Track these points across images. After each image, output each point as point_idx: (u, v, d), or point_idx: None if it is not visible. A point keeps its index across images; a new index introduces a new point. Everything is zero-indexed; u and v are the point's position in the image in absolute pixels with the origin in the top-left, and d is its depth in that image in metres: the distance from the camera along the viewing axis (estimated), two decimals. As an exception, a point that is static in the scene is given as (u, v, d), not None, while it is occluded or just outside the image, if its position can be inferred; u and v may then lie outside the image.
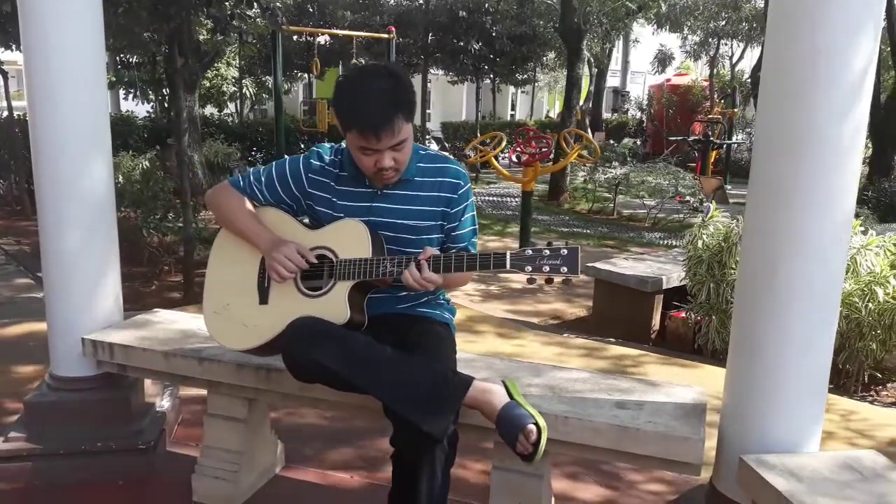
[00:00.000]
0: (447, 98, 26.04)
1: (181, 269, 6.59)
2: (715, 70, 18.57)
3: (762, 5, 16.76)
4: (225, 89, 19.38)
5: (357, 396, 2.04)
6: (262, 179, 2.10)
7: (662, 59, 20.19)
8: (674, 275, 5.26)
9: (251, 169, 2.17)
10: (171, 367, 2.41)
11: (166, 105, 12.67)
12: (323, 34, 11.15)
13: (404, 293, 2.11)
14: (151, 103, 14.41)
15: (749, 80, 19.44)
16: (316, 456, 2.81)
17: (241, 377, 2.31)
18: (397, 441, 1.84)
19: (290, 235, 2.05)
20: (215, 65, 14.39)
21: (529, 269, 1.81)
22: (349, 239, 1.99)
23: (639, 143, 18.58)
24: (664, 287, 5.20)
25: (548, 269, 1.80)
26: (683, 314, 5.06)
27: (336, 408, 2.32)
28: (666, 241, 9.08)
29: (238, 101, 21.11)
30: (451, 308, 2.25)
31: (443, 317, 2.19)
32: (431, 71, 15.58)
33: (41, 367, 3.57)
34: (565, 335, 4.72)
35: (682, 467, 1.96)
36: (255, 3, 4.89)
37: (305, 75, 20.88)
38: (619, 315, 5.29)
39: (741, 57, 19.61)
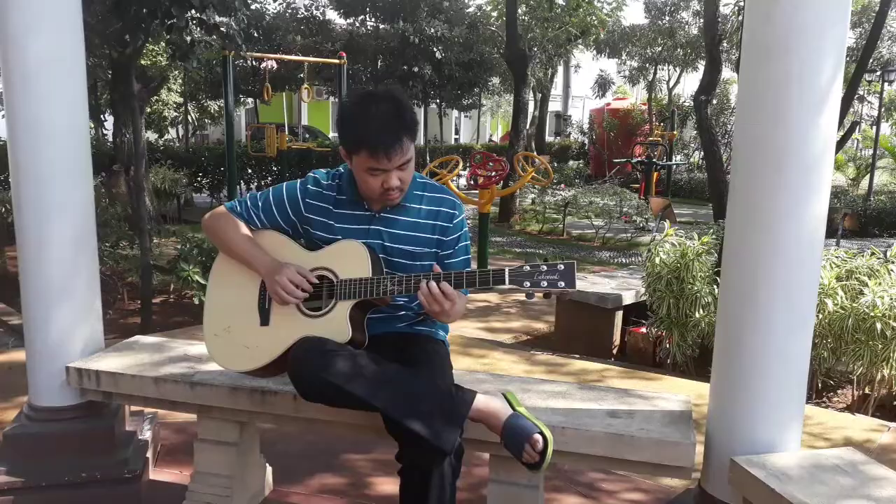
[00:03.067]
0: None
1: (136, 296, 6.45)
2: (653, 94, 19.24)
3: (695, 32, 17.50)
4: (166, 114, 19.11)
5: (354, 415, 2.08)
6: (259, 205, 2.13)
7: (602, 84, 20.83)
8: (631, 291, 5.43)
9: (248, 194, 2.20)
10: (161, 393, 2.39)
11: (104, 132, 12.41)
12: (280, 59, 11.14)
13: (402, 312, 2.17)
14: (91, 130, 14.10)
15: (685, 104, 20.19)
16: (303, 478, 2.81)
17: (235, 400, 2.31)
18: (406, 456, 1.88)
19: (290, 257, 2.08)
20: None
21: (528, 284, 1.88)
22: (349, 259, 2.03)
23: (582, 165, 19.03)
24: (623, 304, 5.36)
25: (545, 283, 1.87)
26: (643, 329, 5.23)
27: (331, 427, 2.34)
28: (617, 260, 9.33)
29: (180, 127, 20.81)
30: (445, 326, 2.30)
31: (438, 334, 2.24)
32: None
33: (3, 398, 3.46)
34: (530, 352, 4.81)
35: (675, 471, 2.05)
36: (214, 29, 4.88)
37: (249, 100, 20.79)
38: (581, 331, 5.42)
39: (677, 81, 20.37)
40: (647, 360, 5.19)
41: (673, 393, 2.42)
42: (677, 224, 7.77)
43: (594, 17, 14.24)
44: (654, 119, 18.50)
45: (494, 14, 15.47)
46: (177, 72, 14.86)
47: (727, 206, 2.05)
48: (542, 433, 1.85)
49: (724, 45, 10.64)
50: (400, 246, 2.08)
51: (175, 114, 19.79)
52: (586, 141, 21.97)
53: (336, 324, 1.98)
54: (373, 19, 13.74)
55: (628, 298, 5.39)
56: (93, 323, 2.60)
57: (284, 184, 2.17)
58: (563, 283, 1.87)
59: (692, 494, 2.21)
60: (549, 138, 23.34)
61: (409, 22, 12.58)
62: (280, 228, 2.15)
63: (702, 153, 20.42)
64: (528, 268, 1.89)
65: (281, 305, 2.04)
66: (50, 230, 2.43)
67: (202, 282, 5.44)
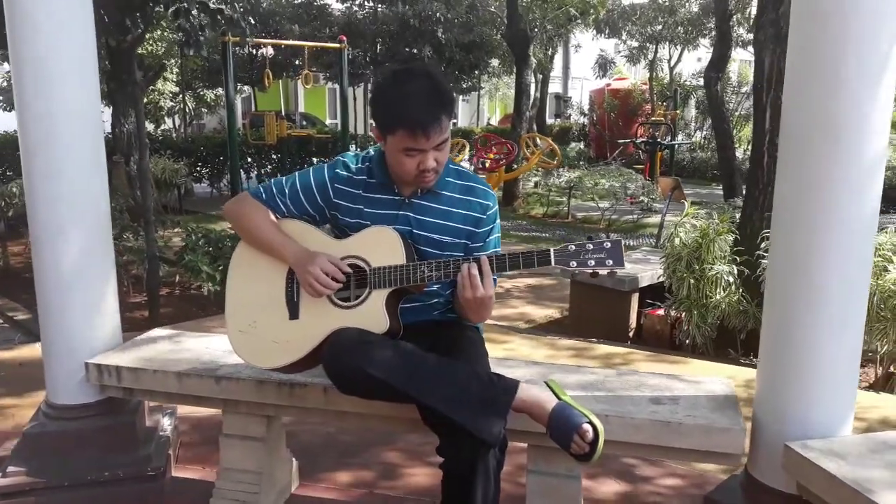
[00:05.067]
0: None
1: (141, 289, 6.37)
2: (654, 73, 19.07)
3: (696, 10, 17.33)
4: (162, 104, 18.94)
5: (388, 406, 2.01)
6: (286, 191, 2.04)
7: (603, 64, 20.64)
8: (647, 273, 5.35)
9: (272, 180, 2.11)
10: (184, 389, 2.31)
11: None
12: (281, 45, 10.99)
13: (435, 300, 2.08)
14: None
15: (686, 83, 20.04)
16: (329, 471, 2.74)
17: (262, 394, 2.23)
18: (449, 449, 1.81)
19: (318, 246, 1.99)
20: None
21: (574, 264, 1.80)
22: (381, 246, 1.94)
23: (583, 146, 18.90)
24: (640, 286, 5.28)
25: (593, 263, 1.80)
26: (660, 311, 5.15)
27: (362, 420, 2.26)
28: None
29: (176, 116, 20.64)
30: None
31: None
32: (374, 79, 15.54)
33: (17, 395, 3.39)
34: (549, 337, 4.74)
35: (724, 458, 1.98)
36: (220, 15, 4.76)
37: (246, 88, 20.60)
38: (597, 315, 5.35)
39: (678, 60, 20.18)
40: (664, 343, 5.12)
41: (712, 377, 2.34)
42: (687, 203, 7.68)
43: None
44: (655, 99, 18.34)
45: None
46: (173, 60, 14.70)
47: (776, 176, 1.96)
48: (591, 423, 1.77)
49: (733, 21, 10.50)
50: (428, 234, 2.00)
51: (171, 103, 19.63)
52: (587, 122, 21.82)
53: (372, 314, 1.89)
54: (370, 2, 13.56)
55: (644, 280, 5.32)
56: (110, 317, 2.52)
57: (311, 168, 2.08)
58: (611, 262, 1.79)
59: (738, 481, 2.14)
60: (549, 120, 23.17)
61: (407, 4, 12.42)
62: (306, 215, 2.06)
63: (703, 132, 20.35)
64: (573, 247, 1.81)
65: (310, 297, 1.95)
66: (64, 222, 2.34)
67: (210, 272, 5.36)
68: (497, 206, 2.10)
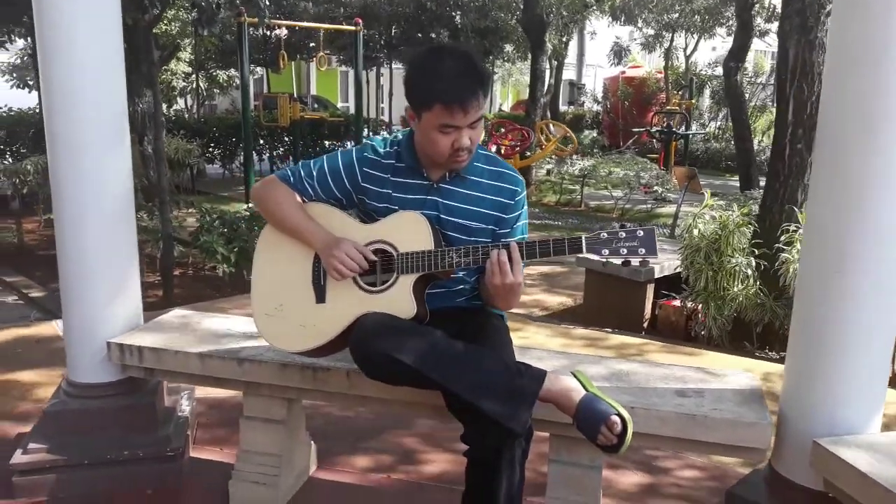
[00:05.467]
0: (402, 91, 25.92)
1: (155, 269, 6.39)
2: (669, 62, 18.89)
3: (713, -2, 17.11)
4: (175, 84, 18.91)
5: (411, 392, 2.00)
6: (314, 174, 2.02)
7: (618, 52, 20.44)
8: (664, 264, 5.31)
9: (300, 163, 2.09)
10: (206, 370, 2.30)
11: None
12: (296, 26, 10.92)
13: (461, 287, 2.07)
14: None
15: (702, 72, 19.85)
16: (348, 456, 2.74)
17: (285, 377, 2.23)
18: (474, 438, 1.80)
19: (344, 230, 1.97)
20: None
21: (606, 252, 1.78)
22: (408, 231, 1.92)
23: (597, 134, 18.77)
24: (655, 276, 5.25)
25: (625, 251, 1.77)
26: (676, 302, 5.13)
27: (385, 405, 2.26)
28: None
29: (189, 97, 20.61)
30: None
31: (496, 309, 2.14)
32: (393, 64, 15.48)
33: (35, 372, 3.40)
34: (563, 326, 4.72)
35: (749, 453, 1.97)
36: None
37: (258, 69, 20.52)
38: (611, 304, 5.32)
39: (694, 49, 19.98)
40: (679, 334, 5.09)
41: (737, 370, 2.32)
42: (707, 194, 7.63)
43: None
44: (669, 88, 18.18)
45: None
46: (187, 40, 14.65)
47: (812, 168, 1.93)
48: (619, 415, 1.76)
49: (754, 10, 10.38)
50: (455, 219, 1.98)
51: (184, 83, 19.60)
52: (600, 110, 21.65)
53: (400, 299, 1.88)
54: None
55: (659, 271, 5.29)
56: (132, 297, 2.52)
57: (339, 152, 2.06)
58: (643, 250, 1.77)
59: (762, 475, 2.13)
60: (562, 107, 23.02)
61: (423, -13, 12.34)
62: (333, 199, 2.04)
63: (718, 123, 20.18)
64: (605, 234, 1.79)
65: (337, 281, 1.94)
66: (88, 200, 2.33)
67: (225, 253, 5.36)
68: (525, 192, 2.08)
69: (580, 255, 1.83)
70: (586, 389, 1.85)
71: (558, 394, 1.82)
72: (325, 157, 2.07)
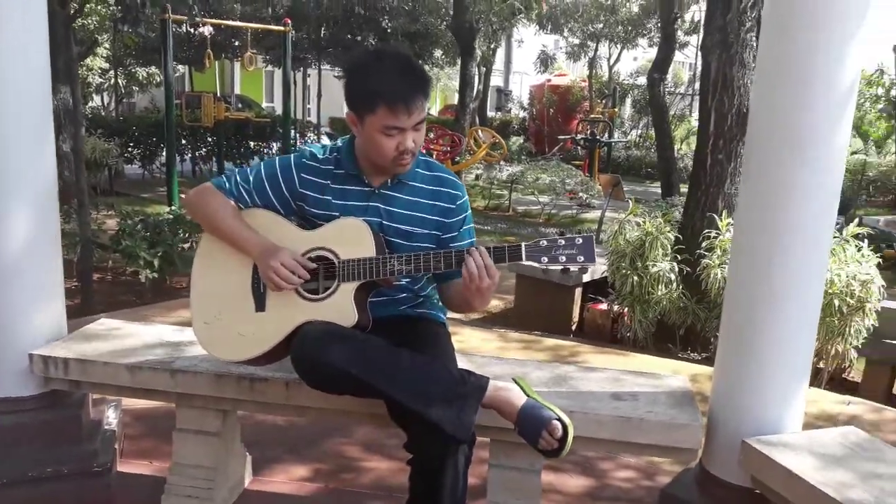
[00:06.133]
0: (329, 93, 25.76)
1: (72, 274, 6.11)
2: (593, 71, 19.41)
3: (636, 10, 17.69)
4: (91, 80, 18.16)
5: (351, 401, 1.98)
6: (251, 180, 1.99)
7: (545, 60, 20.86)
8: (592, 268, 5.43)
9: (236, 170, 2.04)
10: (137, 382, 2.22)
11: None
12: (225, 25, 10.64)
13: (403, 294, 2.07)
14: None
15: (624, 82, 20.46)
16: (283, 466, 2.69)
17: (220, 388, 2.17)
18: (419, 445, 1.80)
19: (285, 237, 1.94)
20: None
21: (545, 259, 1.81)
22: (350, 238, 1.91)
23: (523, 141, 19.10)
24: (584, 281, 5.38)
25: (564, 258, 1.81)
26: (602, 306, 5.26)
27: (322, 414, 2.23)
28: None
29: (105, 94, 19.84)
30: (443, 308, 2.21)
31: (439, 316, 2.16)
32: (322, 66, 15.30)
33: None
34: (496, 329, 4.77)
35: (681, 453, 2.04)
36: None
37: (180, 67, 19.93)
38: (542, 308, 5.42)
39: (618, 59, 20.58)
40: (605, 337, 5.23)
41: (669, 373, 2.41)
42: (625, 201, 7.85)
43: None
44: (593, 96, 18.67)
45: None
46: (105, 35, 14.11)
47: (740, 183, 2.02)
48: (560, 419, 1.79)
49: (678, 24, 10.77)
50: (398, 225, 1.98)
51: (101, 80, 18.85)
52: (527, 117, 22.01)
53: (341, 307, 1.86)
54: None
55: (587, 275, 5.41)
56: (56, 305, 2.40)
57: (276, 158, 2.04)
58: (582, 258, 1.80)
59: (692, 474, 2.20)
60: (490, 113, 23.28)
61: (352, -10, 12.27)
62: (271, 207, 2.00)
63: (639, 131, 20.84)
64: (545, 242, 1.82)
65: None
66: (10, 202, 2.20)
67: (149, 258, 5.18)
68: (467, 197, 2.09)
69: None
70: (527, 395, 1.87)
71: (501, 400, 1.85)
72: (261, 163, 2.04)
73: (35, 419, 2.33)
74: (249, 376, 2.14)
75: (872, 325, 4.04)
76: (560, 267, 1.84)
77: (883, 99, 14.41)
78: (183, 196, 2.08)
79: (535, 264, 1.83)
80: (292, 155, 2.03)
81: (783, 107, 1.86)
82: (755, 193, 1.96)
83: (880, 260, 4.30)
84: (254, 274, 1.96)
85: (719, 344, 2.13)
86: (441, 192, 2.01)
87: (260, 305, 1.94)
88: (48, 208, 2.33)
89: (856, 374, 4.54)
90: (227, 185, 1.99)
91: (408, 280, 2.04)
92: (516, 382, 1.93)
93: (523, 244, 1.82)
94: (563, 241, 1.82)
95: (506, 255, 1.82)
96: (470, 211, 2.10)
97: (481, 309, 1.96)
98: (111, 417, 2.65)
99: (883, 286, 4.05)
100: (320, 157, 2.00)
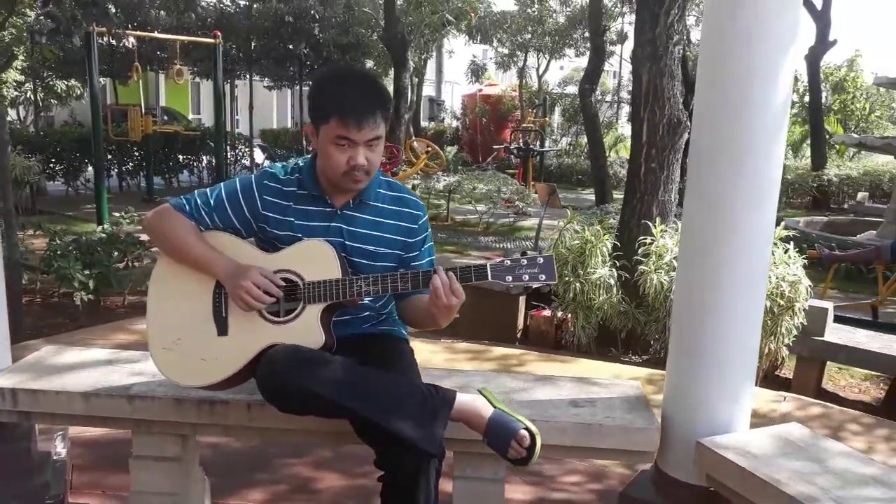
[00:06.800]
0: (259, 105, 25.35)
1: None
2: (523, 81, 19.77)
3: (563, 21, 18.12)
4: (5, 94, 17.37)
5: (314, 421, 1.98)
6: (211, 202, 1.97)
7: (476, 70, 21.14)
8: (534, 276, 5.54)
9: (195, 191, 2.02)
10: (92, 410, 2.16)
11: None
12: (153, 38, 10.37)
13: (366, 313, 2.08)
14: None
15: (553, 91, 20.89)
16: (241, 488, 2.66)
17: (180, 413, 2.13)
18: (390, 462, 1.81)
19: (248, 260, 1.93)
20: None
21: (510, 279, 1.87)
22: (314, 260, 1.92)
23: (458, 151, 19.29)
24: (526, 289, 5.47)
25: (527, 277, 1.87)
26: (546, 313, 5.37)
27: (284, 435, 2.22)
28: (501, 245, 9.54)
29: (22, 107, 19.02)
30: (405, 325, 2.24)
31: (402, 333, 2.18)
32: (247, 76, 15.08)
33: None
34: (444, 340, 4.81)
35: (639, 456, 2.13)
36: (92, 5, 4.46)
37: (103, 80, 19.27)
38: (487, 317, 5.48)
39: (546, 68, 21.02)
40: (549, 343, 5.34)
41: (621, 379, 2.50)
42: (562, 208, 8.04)
43: (466, 3, 14.41)
44: (524, 105, 19.01)
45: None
46: (22, 47, 13.54)
47: (685, 195, 2.13)
48: (527, 429, 1.85)
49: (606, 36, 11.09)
50: (361, 245, 2.00)
51: (16, 93, 18.05)
52: (460, 126, 22.24)
53: (307, 329, 1.87)
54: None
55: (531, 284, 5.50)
56: (-1, 335, 2.32)
57: (236, 178, 2.03)
58: (544, 276, 1.87)
59: (648, 476, 2.29)
60: (423, 123, 23.40)
61: (282, 1, 12.13)
62: (231, 228, 1.99)
63: (569, 139, 21.31)
64: (508, 262, 1.87)
65: (239, 312, 1.90)
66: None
67: (84, 280, 5.01)
68: (427, 217, 2.13)
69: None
70: (494, 406, 1.92)
71: (469, 412, 1.89)
72: (221, 184, 2.03)
73: (-20, 454, 2.24)
74: (210, 399, 2.11)
75: (802, 323, 4.26)
76: (524, 285, 1.90)
77: (797, 104, 15.17)
78: (145, 218, 2.05)
79: (500, 282, 1.89)
80: (253, 176, 2.03)
81: (723, 125, 1.97)
82: (699, 205, 2.07)
83: (805, 261, 4.54)
84: (214, 297, 1.94)
85: (670, 348, 2.23)
86: (404, 212, 2.04)
87: (222, 329, 1.92)
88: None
89: (787, 371, 4.77)
90: (186, 207, 1.97)
91: (371, 299, 2.06)
92: (482, 394, 1.97)
93: (488, 264, 1.88)
94: (525, 261, 1.88)
95: (472, 275, 1.87)
96: (430, 231, 2.14)
97: (445, 325, 2.00)
98: (59, 448, 2.56)
99: (810, 286, 4.28)
100: (282, 177, 2.00)
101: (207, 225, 1.97)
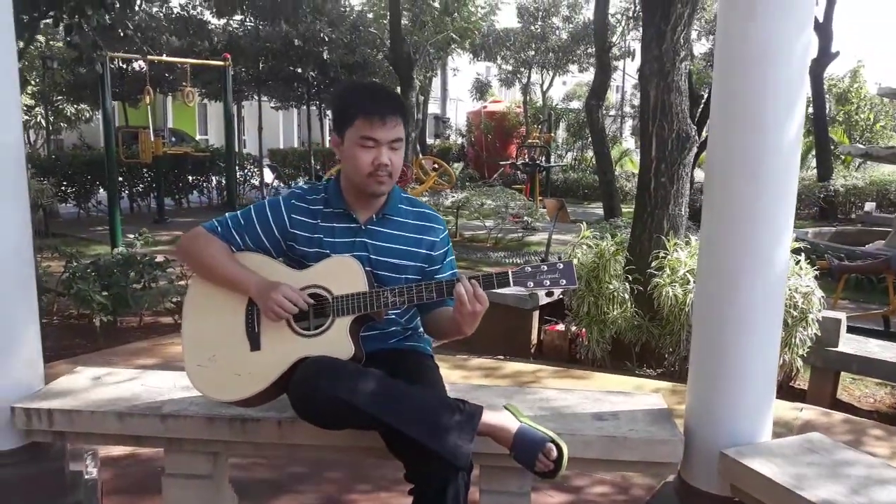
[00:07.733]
0: (268, 125, 25.55)
1: None
2: (527, 97, 19.91)
3: (566, 37, 18.28)
4: (16, 118, 17.55)
5: (345, 436, 2.03)
6: (242, 223, 2.04)
7: (480, 87, 21.31)
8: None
9: (226, 214, 2.09)
10: (126, 429, 2.21)
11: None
12: (164, 61, 10.53)
13: (393, 328, 2.13)
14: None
15: (558, 107, 21.02)
16: (269, 505, 2.69)
17: (212, 431, 2.18)
18: (420, 475, 1.86)
19: (278, 277, 1.99)
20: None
21: (531, 284, 1.92)
22: (342, 275, 1.98)
23: (464, 167, 19.42)
24: (540, 303, 5.51)
25: (548, 283, 1.92)
26: (559, 327, 5.40)
27: (316, 451, 2.26)
28: (511, 259, 9.57)
29: (32, 131, 19.23)
30: (429, 341, 2.29)
31: (427, 349, 2.23)
32: (255, 97, 15.25)
33: None
34: (457, 357, 4.84)
35: (663, 468, 2.17)
36: (110, 30, 4.55)
37: (114, 104, 19.50)
38: (499, 332, 5.51)
39: (550, 84, 21.18)
40: (563, 357, 5.36)
41: (643, 391, 2.53)
42: (571, 223, 8.08)
43: (470, 23, 14.57)
44: (529, 121, 19.13)
45: (371, 15, 15.46)
46: (34, 73, 13.74)
47: (702, 211, 2.17)
48: (554, 442, 1.89)
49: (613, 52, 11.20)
50: (386, 259, 2.06)
51: (26, 117, 18.28)
52: (465, 143, 22.38)
53: (337, 341, 1.92)
54: (252, 20, 13.31)
55: (544, 298, 5.55)
56: (32, 356, 2.37)
57: (265, 201, 2.10)
58: (564, 281, 1.92)
59: (672, 487, 2.32)
60: (429, 140, 23.56)
61: (290, 23, 12.30)
62: (262, 248, 2.06)
63: (574, 153, 21.42)
64: (529, 269, 1.93)
65: (271, 328, 1.96)
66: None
67: (103, 302, 5.07)
68: (447, 231, 2.20)
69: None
70: (520, 420, 1.96)
71: (495, 427, 1.93)
72: (251, 206, 2.10)
73: (17, 473, 2.29)
74: (241, 417, 2.16)
75: (815, 334, 4.28)
76: (545, 290, 1.95)
77: (802, 116, 15.10)
78: (179, 242, 2.12)
79: (522, 289, 1.94)
80: (280, 196, 2.10)
81: (738, 146, 2.03)
82: (718, 221, 2.12)
83: (817, 272, 4.56)
84: (247, 315, 2.00)
85: (691, 360, 2.27)
86: (427, 227, 2.11)
87: (255, 345, 1.98)
88: (24, 257, 2.33)
89: (802, 381, 4.78)
90: (219, 229, 2.04)
91: (397, 313, 2.11)
92: (507, 409, 2.01)
93: (510, 271, 1.93)
94: (545, 267, 1.94)
95: (494, 282, 1.92)
96: (451, 244, 2.20)
97: (470, 333, 2.06)
98: (90, 467, 2.61)
99: (822, 297, 4.30)
100: (308, 197, 2.08)
101: (239, 245, 2.04)
